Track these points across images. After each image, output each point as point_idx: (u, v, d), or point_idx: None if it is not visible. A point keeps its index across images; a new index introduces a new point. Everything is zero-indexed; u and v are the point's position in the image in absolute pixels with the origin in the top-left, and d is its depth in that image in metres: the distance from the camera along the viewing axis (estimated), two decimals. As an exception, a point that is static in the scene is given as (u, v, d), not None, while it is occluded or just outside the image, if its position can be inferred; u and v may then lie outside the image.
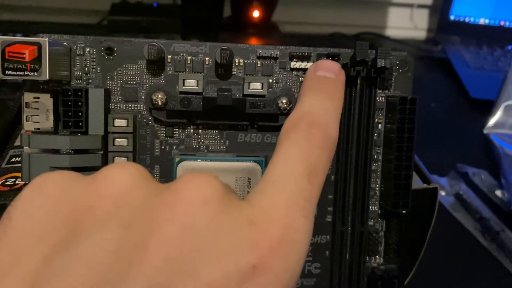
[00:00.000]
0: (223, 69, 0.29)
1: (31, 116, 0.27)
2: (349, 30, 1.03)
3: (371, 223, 0.31)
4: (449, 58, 0.88)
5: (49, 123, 0.28)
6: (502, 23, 0.97)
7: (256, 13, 0.91)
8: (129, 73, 0.29)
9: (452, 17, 0.97)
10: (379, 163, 0.31)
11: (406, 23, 1.08)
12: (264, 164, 0.30)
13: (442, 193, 0.54)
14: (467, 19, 0.97)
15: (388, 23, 1.08)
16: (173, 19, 0.89)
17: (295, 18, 1.01)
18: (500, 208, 0.52)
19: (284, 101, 0.29)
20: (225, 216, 0.18)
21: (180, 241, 0.17)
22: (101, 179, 0.19)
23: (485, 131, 0.67)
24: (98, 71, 0.29)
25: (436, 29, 0.99)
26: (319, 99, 0.25)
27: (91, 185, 0.19)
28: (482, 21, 0.97)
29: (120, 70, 0.29)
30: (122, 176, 0.19)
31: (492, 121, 0.68)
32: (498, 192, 0.54)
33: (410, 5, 1.07)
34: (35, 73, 0.24)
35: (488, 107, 0.70)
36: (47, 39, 0.24)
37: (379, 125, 0.31)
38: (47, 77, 0.24)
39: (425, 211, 0.36)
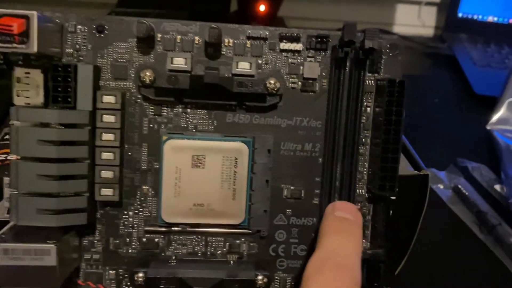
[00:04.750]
0: (213, 49, 0.30)
1: (21, 91, 0.28)
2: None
3: (358, 206, 0.31)
4: (456, 55, 0.87)
5: (39, 99, 0.28)
6: (511, 20, 0.96)
7: (262, 7, 0.91)
8: (119, 51, 0.29)
9: (460, 15, 0.96)
10: (367, 147, 0.31)
11: (414, 21, 1.07)
12: (252, 144, 0.30)
13: (440, 186, 0.54)
14: (475, 17, 0.96)
15: (396, 20, 1.08)
16: (180, 12, 0.90)
17: (302, 14, 1.01)
18: (499, 202, 0.52)
19: (272, 81, 0.29)
20: None
21: None
22: None
23: (488, 127, 0.66)
24: (89, 48, 0.29)
25: (444, 27, 0.98)
26: (341, 239, 0.26)
27: None
28: (491, 18, 0.96)
29: (110, 48, 0.29)
30: None
31: (495, 117, 0.67)
32: (497, 187, 0.53)
33: (418, 2, 1.06)
34: (23, 46, 0.25)
35: (492, 104, 0.70)
36: (35, 12, 0.25)
37: (368, 109, 0.31)
38: (35, 50, 0.25)
39: (417, 198, 0.36)
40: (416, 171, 0.35)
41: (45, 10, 0.27)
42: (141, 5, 0.91)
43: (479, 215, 0.49)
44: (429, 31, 1.07)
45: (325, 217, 0.29)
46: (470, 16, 0.96)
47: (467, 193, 0.52)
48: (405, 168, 0.36)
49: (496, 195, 0.52)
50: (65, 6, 0.92)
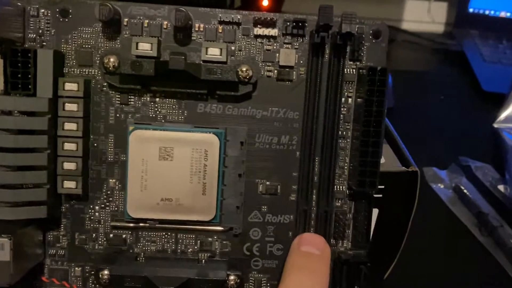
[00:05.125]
0: (182, 34, 0.28)
1: (-19, 77, 0.27)
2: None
3: (338, 204, 0.29)
4: (465, 51, 0.84)
5: (-1, 85, 0.27)
6: (524, 16, 0.92)
7: (265, 2, 0.89)
8: (84, 36, 0.28)
9: (471, 10, 0.93)
10: (348, 140, 0.29)
11: (424, 17, 1.04)
12: (224, 136, 0.28)
13: (441, 186, 0.52)
14: (486, 12, 0.93)
15: (405, 17, 1.05)
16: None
17: (307, 9, 0.99)
18: (501, 203, 0.49)
19: (244, 69, 0.27)
20: None
21: None
22: None
23: (495, 125, 0.64)
24: (53, 33, 0.28)
25: (454, 22, 0.95)
26: (304, 279, 0.25)
27: None
28: (503, 14, 0.93)
29: (75, 33, 0.28)
30: None
31: (503, 115, 0.64)
32: (501, 187, 0.50)
33: (428, -2, 1.03)
34: (-27, 28, 0.23)
35: (500, 101, 0.67)
36: (-15, -8, 0.23)
37: (350, 100, 0.29)
38: (-15, 32, 0.23)
39: (406, 197, 0.34)
40: (404, 168, 0.33)
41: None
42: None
43: (479, 216, 0.47)
44: (439, 28, 1.04)
45: (290, 251, 0.28)
46: (481, 12, 0.93)
47: (468, 193, 0.49)
48: (394, 164, 0.34)
49: (499, 196, 0.50)
50: None
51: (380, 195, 0.33)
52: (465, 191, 0.50)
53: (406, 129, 0.66)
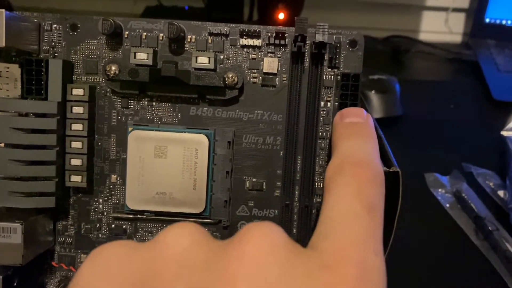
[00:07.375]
0: (176, 45, 0.31)
1: (1, 84, 0.31)
2: (381, 34, 1.01)
3: (319, 199, 0.32)
4: (479, 61, 0.85)
5: (17, 91, 0.31)
6: (541, 26, 0.92)
7: (281, 16, 0.92)
8: (90, 47, 0.32)
9: (487, 20, 0.94)
10: (327, 141, 0.32)
11: (441, 27, 1.05)
12: (213, 136, 0.31)
13: (441, 191, 0.53)
14: (503, 22, 0.93)
15: (422, 27, 1.06)
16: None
17: (324, 22, 1.01)
18: (500, 208, 0.50)
19: (230, 75, 0.30)
20: (294, 263, 0.17)
21: None
22: (161, 241, 0.19)
23: (502, 133, 0.64)
24: (63, 45, 0.32)
25: (470, 32, 0.96)
26: (355, 142, 0.25)
27: (152, 250, 0.19)
28: (520, 24, 0.93)
29: (82, 45, 0.32)
30: (180, 236, 0.19)
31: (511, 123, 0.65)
32: (501, 193, 0.51)
33: (445, 9, 1.04)
34: (-8, 40, 0.27)
35: (510, 110, 0.68)
36: (3, 10, 0.27)
37: (328, 104, 0.31)
38: (3, 44, 0.27)
39: (389, 198, 0.36)
40: (385, 168, 0.35)
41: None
42: (167, 15, 0.95)
43: (476, 220, 0.48)
44: (457, 38, 1.05)
45: (334, 127, 0.28)
46: (498, 22, 0.93)
47: (467, 198, 0.50)
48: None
49: (498, 201, 0.51)
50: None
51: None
52: (464, 196, 0.51)
53: (414, 136, 0.68)
